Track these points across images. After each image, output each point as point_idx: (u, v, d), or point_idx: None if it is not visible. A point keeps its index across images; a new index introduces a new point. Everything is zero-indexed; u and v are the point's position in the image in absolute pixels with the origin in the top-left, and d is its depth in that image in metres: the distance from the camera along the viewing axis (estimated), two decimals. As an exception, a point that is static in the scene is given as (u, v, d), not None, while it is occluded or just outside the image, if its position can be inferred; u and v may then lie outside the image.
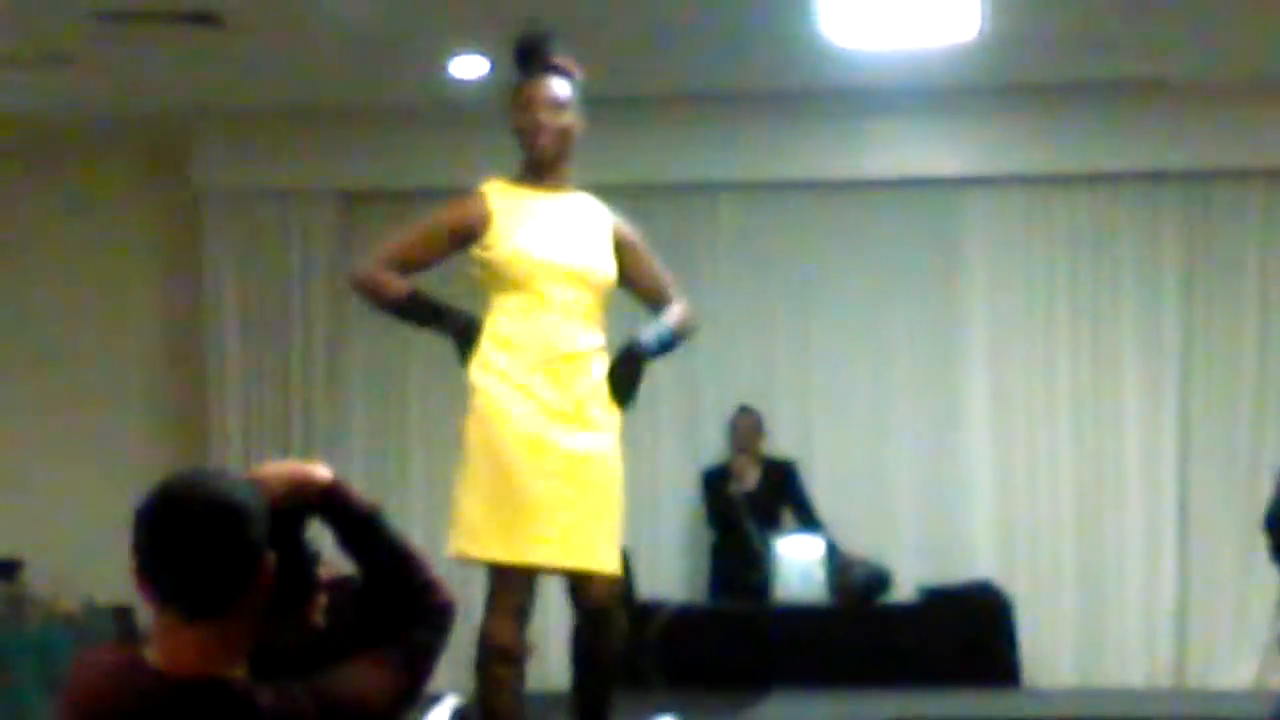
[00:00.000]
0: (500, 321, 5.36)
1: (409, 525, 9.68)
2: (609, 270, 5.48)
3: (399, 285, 5.42)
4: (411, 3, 8.40)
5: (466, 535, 5.32)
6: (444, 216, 5.48)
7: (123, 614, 8.91)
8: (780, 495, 10.12)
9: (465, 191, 5.49)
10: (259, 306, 10.50)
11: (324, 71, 9.50)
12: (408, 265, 5.44)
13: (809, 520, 10.02)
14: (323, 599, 3.02)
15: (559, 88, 5.46)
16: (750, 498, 10.04)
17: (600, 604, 5.39)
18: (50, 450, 10.63)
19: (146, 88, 9.76)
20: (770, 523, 9.99)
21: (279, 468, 3.00)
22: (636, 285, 5.60)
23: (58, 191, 10.73)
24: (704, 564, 10.20)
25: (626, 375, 5.45)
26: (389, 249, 5.49)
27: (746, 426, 10.19)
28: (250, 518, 2.83)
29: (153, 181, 10.71)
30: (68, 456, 10.57)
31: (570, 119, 5.46)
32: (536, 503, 5.28)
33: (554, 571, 5.42)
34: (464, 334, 5.38)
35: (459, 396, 5.44)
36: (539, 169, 5.47)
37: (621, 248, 5.54)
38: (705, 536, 10.22)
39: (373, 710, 2.93)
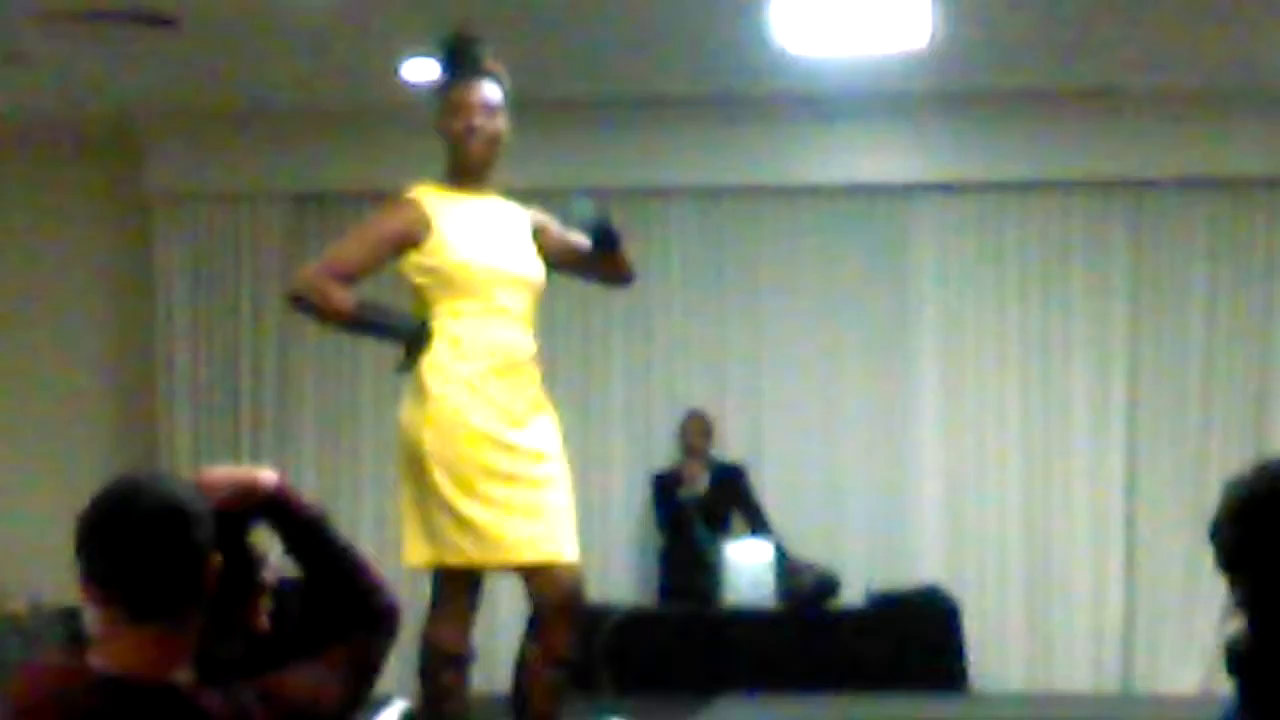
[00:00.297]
0: (452, 327, 5.32)
1: (359, 529, 9.70)
2: (542, 273, 5.50)
3: (346, 296, 5.32)
4: (363, 6, 8.39)
5: (428, 542, 5.28)
6: (383, 224, 5.40)
7: (70, 616, 8.86)
8: (730, 499, 10.12)
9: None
10: (210, 309, 10.47)
11: (276, 74, 9.48)
12: (351, 275, 5.33)
13: (758, 524, 10.02)
14: (267, 602, 3.03)
15: (491, 92, 5.42)
16: (700, 502, 10.04)
17: (567, 590, 5.34)
18: (-3, 452, 10.59)
19: (98, 89, 9.72)
20: (720, 527, 9.99)
21: (224, 471, 3.00)
22: (562, 258, 5.62)
23: (7, 193, 10.67)
24: (653, 568, 10.21)
25: (605, 222, 5.59)
26: (329, 260, 5.38)
27: (696, 430, 10.19)
28: (196, 519, 2.83)
29: (104, 183, 10.65)
30: (16, 458, 10.51)
31: (502, 124, 5.43)
32: (502, 503, 5.27)
33: (521, 568, 5.37)
34: (417, 340, 5.32)
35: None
36: (469, 173, 5.43)
37: (540, 233, 5.56)
38: (655, 540, 10.23)
39: (320, 713, 2.94)
